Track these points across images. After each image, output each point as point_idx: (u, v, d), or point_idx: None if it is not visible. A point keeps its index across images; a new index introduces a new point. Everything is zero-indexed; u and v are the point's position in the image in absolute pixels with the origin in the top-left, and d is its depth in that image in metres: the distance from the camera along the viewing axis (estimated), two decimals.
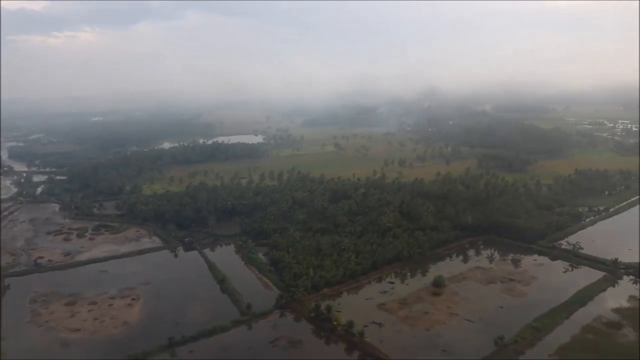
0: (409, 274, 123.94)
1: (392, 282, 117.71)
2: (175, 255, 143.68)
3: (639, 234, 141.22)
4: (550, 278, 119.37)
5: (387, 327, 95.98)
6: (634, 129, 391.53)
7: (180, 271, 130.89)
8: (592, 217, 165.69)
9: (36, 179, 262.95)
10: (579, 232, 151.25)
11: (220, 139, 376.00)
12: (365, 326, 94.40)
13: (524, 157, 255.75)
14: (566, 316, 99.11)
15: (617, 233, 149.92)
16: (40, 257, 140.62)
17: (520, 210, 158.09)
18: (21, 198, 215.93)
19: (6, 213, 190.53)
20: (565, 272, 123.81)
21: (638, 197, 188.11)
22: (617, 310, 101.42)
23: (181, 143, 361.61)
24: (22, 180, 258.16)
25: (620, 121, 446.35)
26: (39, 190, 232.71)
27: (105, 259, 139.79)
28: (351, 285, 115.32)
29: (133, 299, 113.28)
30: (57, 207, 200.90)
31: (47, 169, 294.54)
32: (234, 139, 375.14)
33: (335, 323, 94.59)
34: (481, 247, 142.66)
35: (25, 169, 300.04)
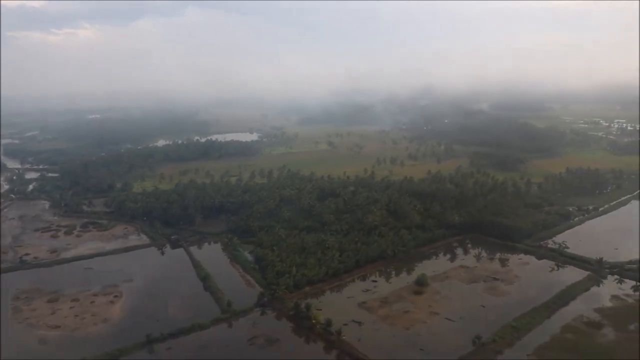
0: (393, 272, 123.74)
1: (375, 281, 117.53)
2: (162, 253, 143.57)
3: None
4: (534, 277, 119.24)
5: (366, 325, 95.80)
6: (629, 128, 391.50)
7: (164, 269, 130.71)
8: (581, 217, 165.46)
9: (29, 176, 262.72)
10: (567, 232, 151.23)
11: (214, 137, 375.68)
12: (345, 325, 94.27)
13: (516, 155, 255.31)
14: (547, 316, 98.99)
15: (605, 232, 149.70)
16: (26, 254, 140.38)
17: (507, 209, 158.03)
18: (12, 195, 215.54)
19: None
20: (550, 271, 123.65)
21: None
22: (598, 310, 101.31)
23: (175, 141, 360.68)
24: (15, 177, 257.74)
25: (616, 120, 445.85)
26: (30, 187, 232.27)
27: (91, 256, 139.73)
28: (334, 284, 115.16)
29: (115, 296, 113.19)
30: (47, 204, 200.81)
31: (40, 167, 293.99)
32: (229, 137, 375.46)
33: (314, 321, 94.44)
34: (468, 246, 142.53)
35: (19, 166, 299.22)
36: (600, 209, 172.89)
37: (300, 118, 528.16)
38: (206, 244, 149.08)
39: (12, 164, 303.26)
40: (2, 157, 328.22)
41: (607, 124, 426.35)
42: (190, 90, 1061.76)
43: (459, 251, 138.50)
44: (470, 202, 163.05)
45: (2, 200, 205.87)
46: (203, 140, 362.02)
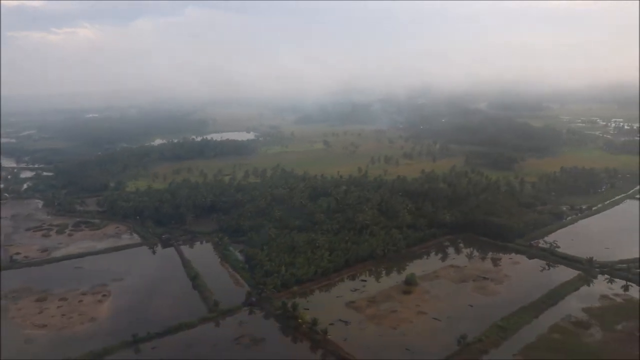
0: (383, 272, 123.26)
1: (364, 280, 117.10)
2: (153, 252, 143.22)
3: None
4: (524, 277, 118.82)
5: (353, 325, 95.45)
6: (626, 127, 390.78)
7: (154, 268, 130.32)
8: (574, 216, 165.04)
9: (24, 175, 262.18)
10: (559, 231, 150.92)
11: (211, 136, 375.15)
12: (331, 324, 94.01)
13: (511, 155, 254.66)
14: (535, 315, 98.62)
15: (597, 232, 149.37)
16: (17, 254, 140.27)
17: (500, 208, 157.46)
18: (6, 194, 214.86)
19: None
20: (541, 271, 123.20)
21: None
22: (587, 310, 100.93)
23: (170, 140, 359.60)
24: (9, 176, 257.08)
25: (613, 119, 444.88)
26: (25, 186, 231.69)
27: (82, 255, 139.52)
28: (322, 283, 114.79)
29: (104, 295, 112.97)
30: (40, 203, 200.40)
31: (36, 166, 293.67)
32: (225, 136, 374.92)
33: (300, 321, 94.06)
34: (460, 245, 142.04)
35: (14, 165, 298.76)
36: (594, 208, 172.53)
37: (297, 117, 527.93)
38: (198, 243, 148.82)
39: (7, 163, 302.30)
40: (1, 157, 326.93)
41: (604, 123, 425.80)
42: (188, 89, 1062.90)
43: (451, 250, 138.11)
44: (462, 201, 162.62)
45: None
46: (199, 139, 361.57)
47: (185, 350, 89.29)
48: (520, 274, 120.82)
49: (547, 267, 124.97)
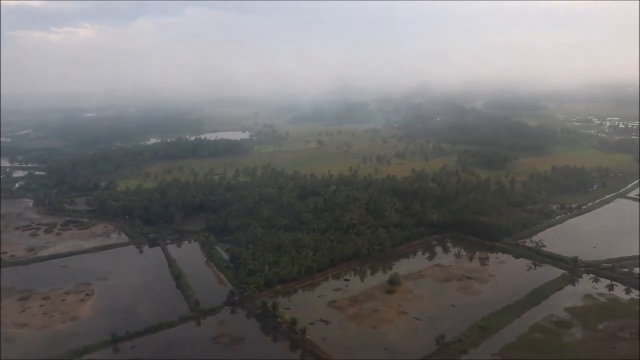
0: (368, 271, 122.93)
1: (348, 280, 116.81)
2: (140, 251, 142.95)
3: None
4: (509, 276, 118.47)
5: (333, 324, 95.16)
6: (620, 125, 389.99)
7: (139, 267, 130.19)
8: (563, 215, 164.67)
9: (17, 174, 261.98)
10: (548, 230, 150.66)
11: (205, 135, 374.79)
12: (312, 324, 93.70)
13: (504, 154, 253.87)
14: (517, 315, 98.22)
15: (585, 231, 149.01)
16: (4, 253, 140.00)
17: (489, 208, 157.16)
18: None
19: None
20: (527, 270, 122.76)
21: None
22: (569, 309, 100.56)
23: (164, 139, 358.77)
24: (2, 175, 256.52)
25: (608, 118, 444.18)
26: (17, 185, 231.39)
27: (69, 254, 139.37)
28: (306, 283, 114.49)
29: (87, 294, 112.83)
30: (31, 202, 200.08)
31: (29, 165, 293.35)
32: (220, 135, 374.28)
33: (279, 320, 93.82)
34: (448, 244, 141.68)
35: (8, 164, 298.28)
36: (584, 207, 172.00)
37: (292, 116, 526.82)
38: (186, 242, 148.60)
39: (1, 163, 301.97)
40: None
41: (599, 122, 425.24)
42: (186, 88, 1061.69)
43: (438, 250, 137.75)
44: (452, 200, 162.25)
45: None
46: (192, 138, 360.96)
47: (164, 349, 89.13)
48: (506, 273, 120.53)
49: (532, 266, 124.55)
